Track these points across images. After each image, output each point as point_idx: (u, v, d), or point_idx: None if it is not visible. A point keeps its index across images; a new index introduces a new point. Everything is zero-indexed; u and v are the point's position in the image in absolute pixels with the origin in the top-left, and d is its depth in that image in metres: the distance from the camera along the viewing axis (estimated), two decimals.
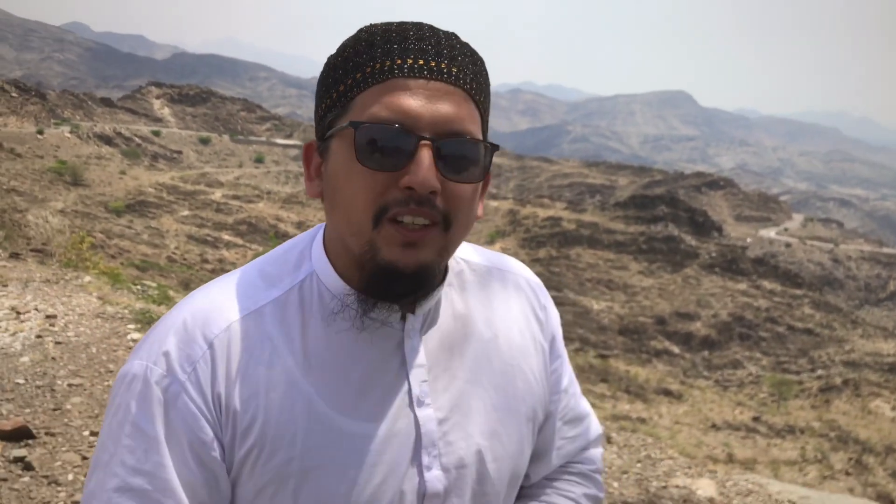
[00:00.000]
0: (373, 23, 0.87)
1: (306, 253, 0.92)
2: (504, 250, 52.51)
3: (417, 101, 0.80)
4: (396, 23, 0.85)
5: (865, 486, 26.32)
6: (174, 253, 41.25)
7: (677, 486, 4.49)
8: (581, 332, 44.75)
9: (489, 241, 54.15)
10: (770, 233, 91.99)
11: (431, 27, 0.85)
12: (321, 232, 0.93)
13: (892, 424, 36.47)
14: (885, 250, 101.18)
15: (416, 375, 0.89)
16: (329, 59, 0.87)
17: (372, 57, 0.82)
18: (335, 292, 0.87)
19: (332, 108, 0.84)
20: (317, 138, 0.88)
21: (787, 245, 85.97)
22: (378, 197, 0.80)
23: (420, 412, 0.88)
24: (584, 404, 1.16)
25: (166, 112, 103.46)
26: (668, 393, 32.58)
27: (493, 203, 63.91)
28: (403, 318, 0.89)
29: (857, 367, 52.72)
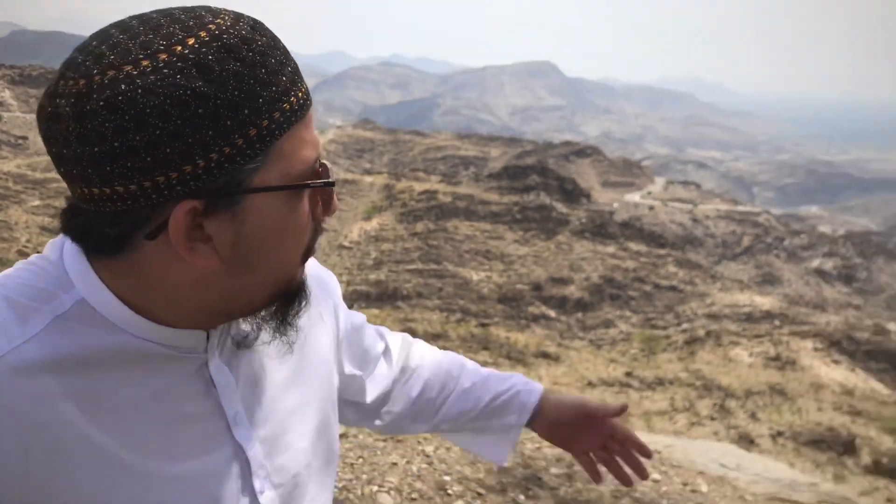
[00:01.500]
0: (223, 32, 0.64)
1: (62, 277, 0.71)
2: (382, 225, 52.39)
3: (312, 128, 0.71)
4: (241, 31, 0.65)
5: (728, 428, 28.14)
6: (25, 246, 38.41)
7: (551, 447, 4.44)
8: (462, 302, 45.19)
9: (366, 218, 53.61)
10: (635, 197, 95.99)
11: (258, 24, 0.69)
12: (74, 255, 0.71)
13: (749, 370, 39.15)
14: (739, 208, 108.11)
15: (228, 397, 0.77)
16: (203, 89, 0.61)
17: (283, 90, 0.66)
18: (120, 323, 0.70)
19: (243, 157, 0.64)
20: (203, 197, 0.64)
21: (651, 208, 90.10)
22: (307, 240, 0.74)
23: (239, 435, 0.78)
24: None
25: (7, 95, 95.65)
26: (546, 356, 33.50)
27: (368, 178, 63.20)
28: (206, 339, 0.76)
29: (717, 318, 56.10)
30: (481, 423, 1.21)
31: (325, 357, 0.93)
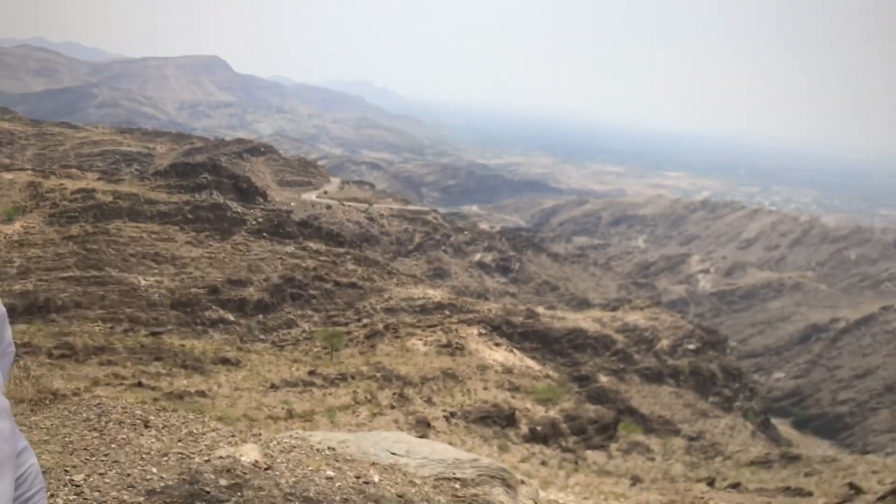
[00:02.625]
0: None
1: None
2: (27, 228, 46.23)
3: None
4: None
5: (407, 414, 29.73)
6: None
7: (221, 457, 4.38)
8: (129, 311, 41.83)
9: (6, 220, 46.88)
10: (312, 196, 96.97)
11: None
12: None
13: (425, 358, 41.81)
14: (410, 207, 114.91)
15: None
16: None
17: None
18: None
19: None
20: None
21: (328, 207, 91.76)
22: None
23: None
24: None
25: None
26: (226, 361, 32.39)
27: (7, 175, 55.38)
28: None
29: (395, 312, 59.07)
30: None
31: None
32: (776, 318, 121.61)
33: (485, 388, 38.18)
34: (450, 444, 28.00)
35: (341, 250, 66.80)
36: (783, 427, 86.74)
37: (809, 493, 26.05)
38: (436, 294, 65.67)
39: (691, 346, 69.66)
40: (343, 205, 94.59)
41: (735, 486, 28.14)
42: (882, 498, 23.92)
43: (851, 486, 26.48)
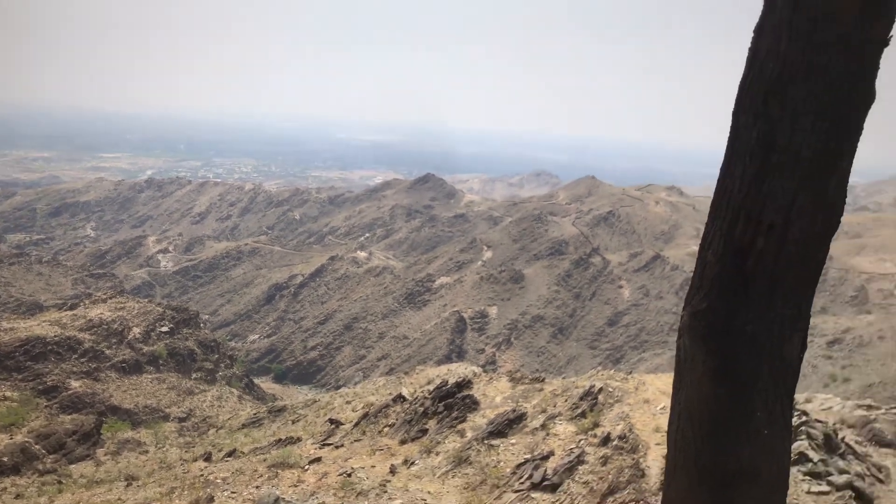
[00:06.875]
0: None
1: None
2: None
3: None
4: None
5: None
6: None
7: None
8: None
9: None
10: None
11: None
12: None
13: None
14: None
15: None
16: None
17: None
18: None
19: None
20: None
21: None
22: None
23: None
24: None
25: None
26: None
27: None
28: None
29: None
30: None
31: None
32: (241, 284, 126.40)
33: None
34: None
35: None
36: (266, 384, 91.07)
37: (299, 439, 27.25)
38: None
39: (165, 329, 67.57)
40: None
41: (231, 453, 27.97)
42: (357, 424, 26.36)
43: (331, 420, 28.61)
